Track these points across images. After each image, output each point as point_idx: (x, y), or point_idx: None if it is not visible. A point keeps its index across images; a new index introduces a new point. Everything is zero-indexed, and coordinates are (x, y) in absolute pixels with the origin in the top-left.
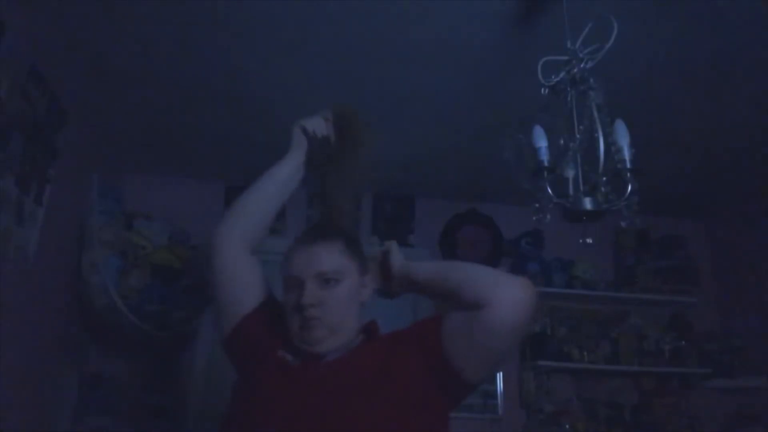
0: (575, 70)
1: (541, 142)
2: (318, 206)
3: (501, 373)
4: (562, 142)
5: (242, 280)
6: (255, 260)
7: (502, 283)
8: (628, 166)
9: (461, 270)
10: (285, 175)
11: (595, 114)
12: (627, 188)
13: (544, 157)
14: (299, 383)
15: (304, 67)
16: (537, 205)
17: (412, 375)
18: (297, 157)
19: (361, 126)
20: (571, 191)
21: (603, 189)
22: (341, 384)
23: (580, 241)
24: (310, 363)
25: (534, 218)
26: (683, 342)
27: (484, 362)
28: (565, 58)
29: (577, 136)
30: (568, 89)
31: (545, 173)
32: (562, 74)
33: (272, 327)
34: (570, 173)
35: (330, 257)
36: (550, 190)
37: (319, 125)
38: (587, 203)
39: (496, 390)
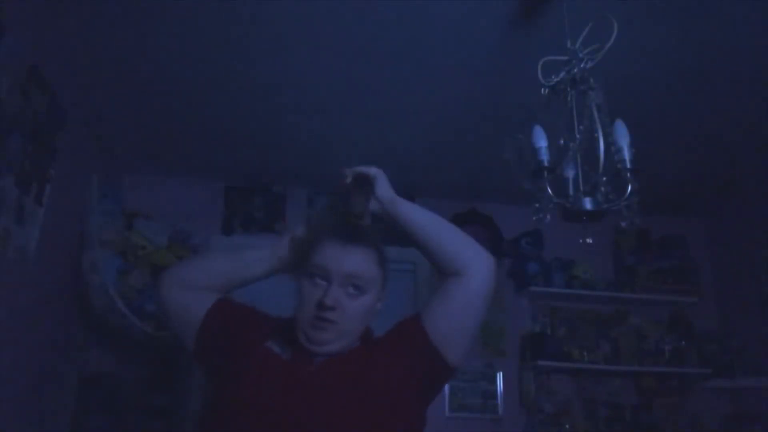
0: (575, 70)
1: (541, 142)
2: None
3: (501, 373)
4: (562, 142)
5: (185, 303)
6: (197, 292)
7: (478, 254)
8: (628, 166)
9: (444, 232)
10: (250, 267)
11: (595, 114)
12: (627, 188)
13: (544, 157)
14: (290, 378)
15: (305, 68)
16: (537, 205)
17: (396, 374)
18: (271, 259)
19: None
20: (571, 191)
21: (603, 189)
22: (332, 384)
23: (580, 241)
24: (302, 358)
25: (534, 218)
26: (683, 342)
27: (462, 335)
28: (565, 58)
29: (577, 136)
30: (568, 89)
31: (545, 173)
32: (562, 74)
33: (249, 322)
34: (570, 173)
35: (365, 264)
36: (550, 190)
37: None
38: (587, 203)
39: (496, 390)
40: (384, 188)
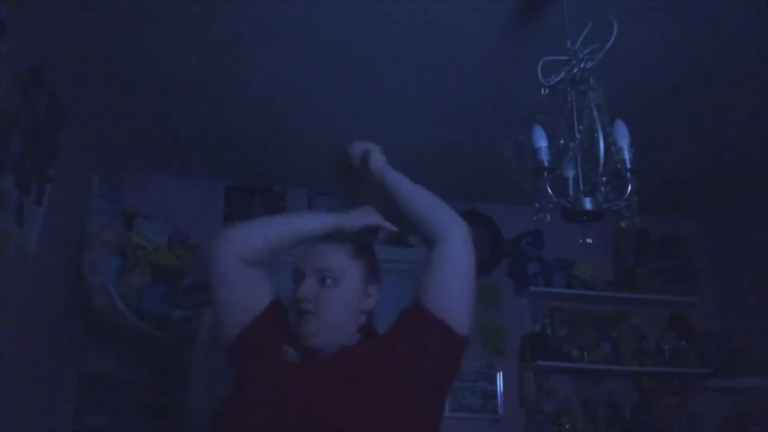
0: (575, 70)
1: (541, 142)
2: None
3: (501, 373)
4: (562, 142)
5: (243, 290)
6: (256, 271)
7: (450, 218)
8: (628, 166)
9: (421, 198)
10: (312, 225)
11: (595, 114)
12: (627, 188)
13: (544, 157)
14: (293, 375)
15: (305, 68)
16: (537, 205)
17: (408, 362)
18: (334, 221)
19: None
20: (571, 191)
21: (603, 189)
22: (334, 377)
23: (580, 241)
24: (307, 358)
25: (534, 218)
26: (683, 342)
27: (461, 301)
28: (565, 58)
29: (577, 136)
30: (568, 89)
31: (545, 173)
32: (562, 74)
33: (279, 327)
34: (570, 173)
35: (333, 256)
36: (550, 190)
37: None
38: (587, 203)
39: (496, 390)
40: (375, 159)
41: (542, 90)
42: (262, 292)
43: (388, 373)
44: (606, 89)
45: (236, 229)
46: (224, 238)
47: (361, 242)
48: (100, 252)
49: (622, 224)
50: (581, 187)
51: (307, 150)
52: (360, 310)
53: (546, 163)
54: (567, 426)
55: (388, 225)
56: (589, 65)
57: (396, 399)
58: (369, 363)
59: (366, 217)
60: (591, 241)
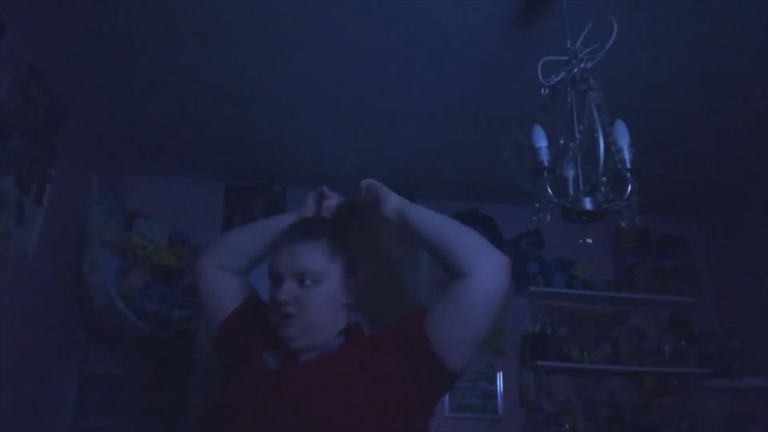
0: (575, 70)
1: (541, 142)
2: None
3: (501, 373)
4: (562, 142)
5: (218, 291)
6: (235, 277)
7: (486, 253)
8: (628, 166)
9: (452, 230)
10: (279, 229)
11: (595, 114)
12: (627, 188)
13: (544, 157)
14: (274, 385)
15: (305, 68)
16: (537, 205)
17: (392, 374)
18: (296, 213)
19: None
20: (571, 191)
21: (603, 189)
22: (315, 384)
23: (580, 241)
24: (289, 362)
25: (534, 218)
26: (683, 342)
27: (466, 343)
28: (565, 58)
29: (577, 136)
30: (568, 89)
31: (545, 173)
32: (562, 74)
33: (257, 327)
34: (570, 173)
35: (311, 257)
36: (550, 190)
37: (333, 200)
38: (587, 203)
39: (496, 390)
40: (394, 198)
41: (542, 90)
42: (235, 293)
43: (368, 386)
44: (606, 89)
45: (218, 239)
46: (207, 248)
47: (334, 235)
48: (100, 252)
49: (622, 224)
50: (581, 187)
51: (307, 150)
52: (343, 305)
53: (546, 163)
54: (567, 426)
55: (326, 189)
56: (589, 65)
57: (375, 412)
58: (349, 372)
59: (311, 192)
60: (591, 241)
